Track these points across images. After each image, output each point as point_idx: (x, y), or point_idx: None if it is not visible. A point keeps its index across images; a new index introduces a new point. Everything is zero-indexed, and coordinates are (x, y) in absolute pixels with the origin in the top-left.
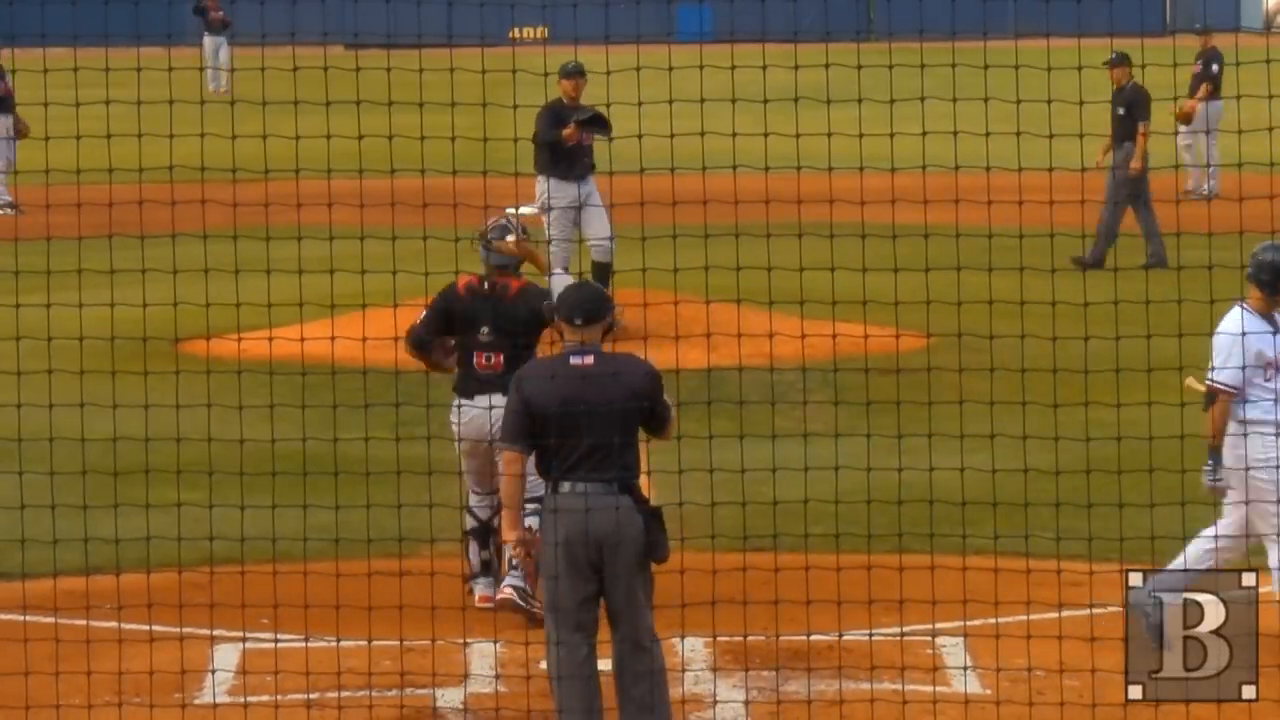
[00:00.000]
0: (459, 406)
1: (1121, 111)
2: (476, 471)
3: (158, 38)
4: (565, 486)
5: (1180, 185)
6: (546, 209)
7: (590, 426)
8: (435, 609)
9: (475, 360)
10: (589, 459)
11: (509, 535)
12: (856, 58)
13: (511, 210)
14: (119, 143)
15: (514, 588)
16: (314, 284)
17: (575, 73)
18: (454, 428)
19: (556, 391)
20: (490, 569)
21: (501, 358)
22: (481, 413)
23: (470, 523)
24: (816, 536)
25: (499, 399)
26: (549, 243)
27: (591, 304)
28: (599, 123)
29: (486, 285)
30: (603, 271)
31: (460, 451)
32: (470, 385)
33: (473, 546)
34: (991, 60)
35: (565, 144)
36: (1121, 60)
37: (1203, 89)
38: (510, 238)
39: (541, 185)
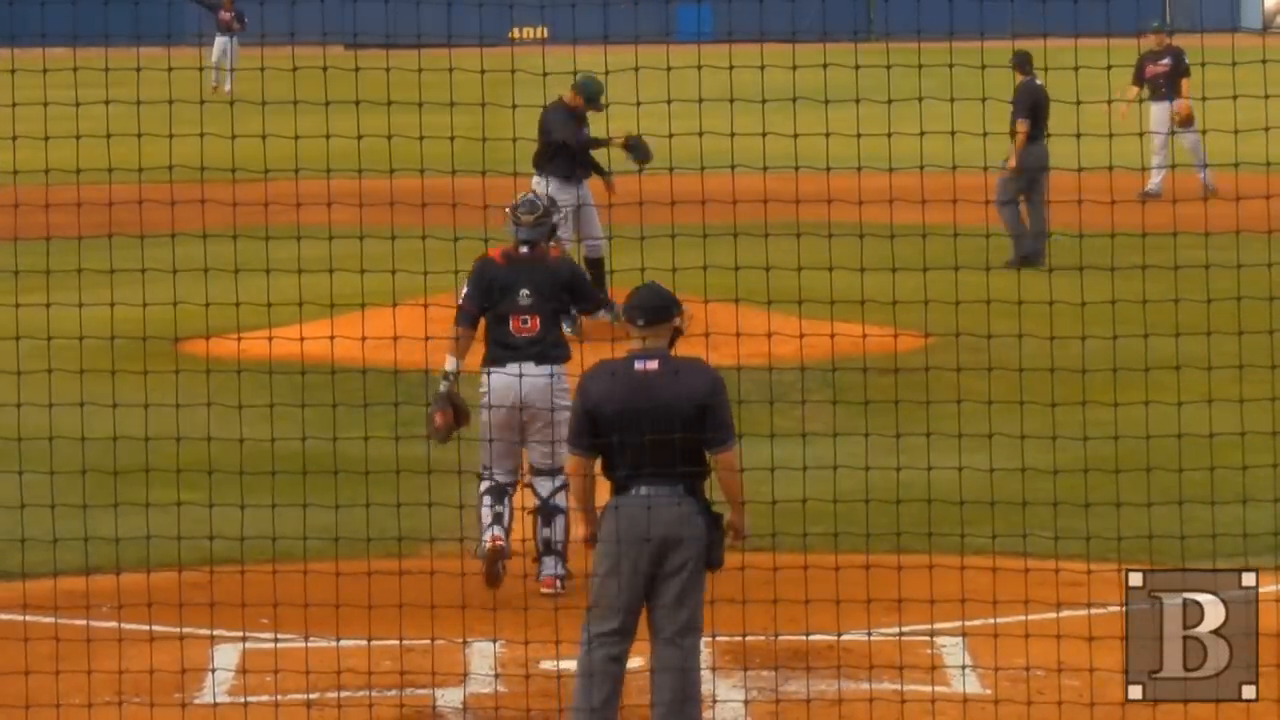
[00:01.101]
0: (488, 374)
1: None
2: (500, 453)
3: (157, 38)
4: (631, 489)
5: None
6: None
7: (653, 430)
8: (434, 608)
9: (511, 324)
10: (652, 462)
11: (580, 533)
12: (855, 58)
13: (538, 180)
14: (118, 142)
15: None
16: (313, 284)
17: (595, 96)
18: (482, 399)
19: (618, 394)
20: (502, 521)
21: (538, 321)
22: (511, 379)
23: (486, 484)
24: (815, 536)
25: (530, 367)
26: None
27: (655, 305)
28: (642, 151)
29: (524, 250)
30: (598, 268)
31: (485, 424)
32: (502, 354)
33: (485, 505)
34: (989, 60)
35: (588, 148)
36: (1013, 60)
37: (1184, 86)
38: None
39: (541, 186)
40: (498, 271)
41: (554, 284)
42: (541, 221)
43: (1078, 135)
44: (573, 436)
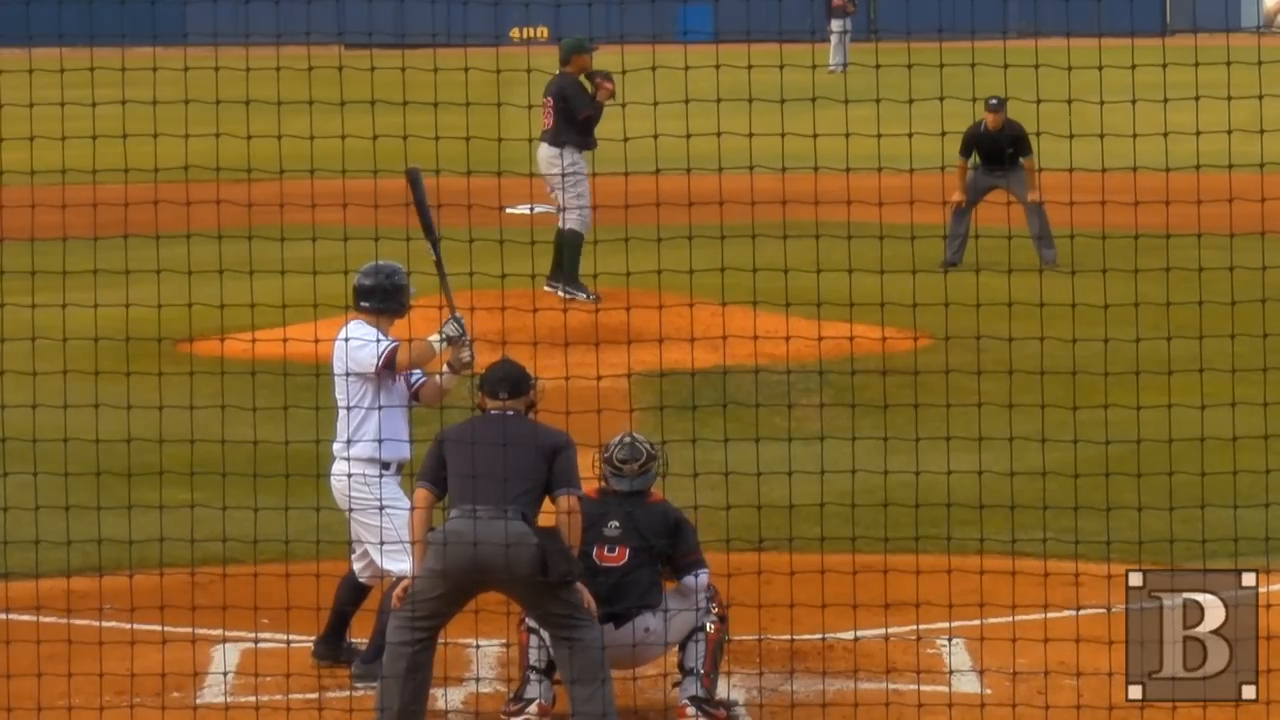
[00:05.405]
0: None
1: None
2: None
3: (174, 38)
4: (465, 508)
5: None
6: (564, 174)
7: (497, 460)
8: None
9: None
10: (490, 490)
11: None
12: (875, 58)
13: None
14: (133, 142)
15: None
16: (327, 284)
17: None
18: None
19: (471, 430)
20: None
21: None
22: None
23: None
24: (829, 538)
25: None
26: (563, 211)
27: (515, 378)
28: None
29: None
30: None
31: None
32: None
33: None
34: (979, 59)
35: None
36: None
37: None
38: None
39: (568, 156)
40: (588, 506)
41: (648, 525)
42: (646, 469)
43: (1070, 137)
44: (422, 472)
